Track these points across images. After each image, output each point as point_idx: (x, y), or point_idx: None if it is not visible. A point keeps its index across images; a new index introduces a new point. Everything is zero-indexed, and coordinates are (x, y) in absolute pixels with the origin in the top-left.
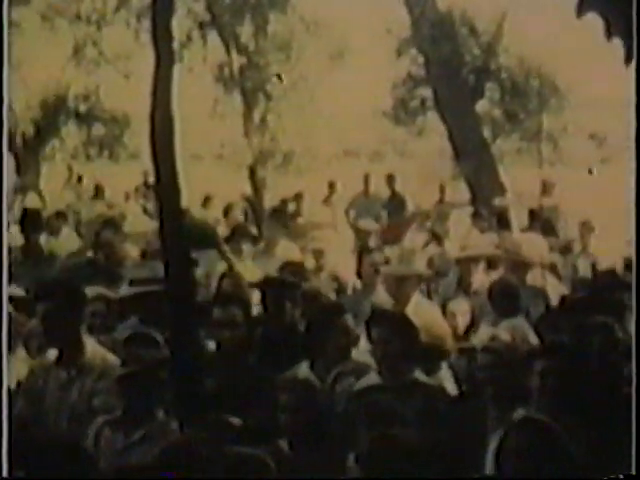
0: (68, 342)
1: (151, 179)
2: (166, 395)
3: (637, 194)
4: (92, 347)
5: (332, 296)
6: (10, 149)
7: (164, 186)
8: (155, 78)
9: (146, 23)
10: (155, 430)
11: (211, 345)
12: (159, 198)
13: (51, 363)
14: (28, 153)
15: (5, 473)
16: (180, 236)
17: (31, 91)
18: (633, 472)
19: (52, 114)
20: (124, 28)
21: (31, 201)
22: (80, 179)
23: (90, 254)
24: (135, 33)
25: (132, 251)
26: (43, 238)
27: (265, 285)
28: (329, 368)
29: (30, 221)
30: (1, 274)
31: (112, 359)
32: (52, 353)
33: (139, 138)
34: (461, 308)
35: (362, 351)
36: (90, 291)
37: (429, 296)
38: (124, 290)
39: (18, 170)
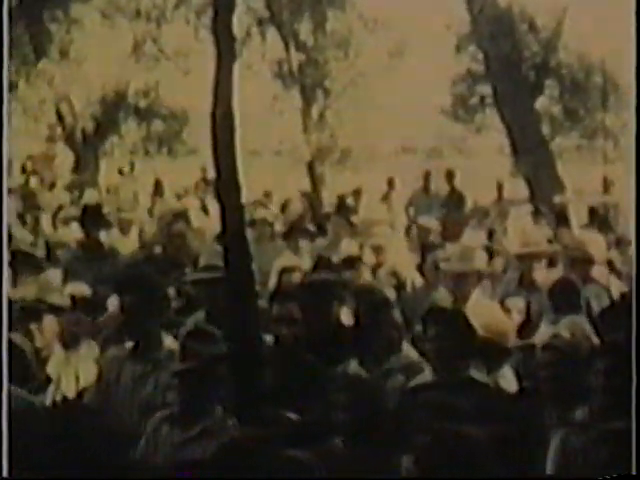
0: (145, 336)
1: (209, 175)
2: (223, 391)
3: (637, 194)
4: (169, 341)
5: (391, 292)
6: (70, 145)
7: (225, 182)
8: (216, 74)
9: (205, 20)
10: (213, 426)
11: (269, 340)
12: (220, 194)
13: (127, 356)
14: (87, 149)
15: (5, 473)
16: (241, 232)
17: (91, 87)
18: (633, 472)
19: (112, 110)
20: (183, 25)
21: (90, 197)
22: (139, 175)
23: (159, 248)
24: (194, 30)
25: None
26: (103, 234)
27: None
28: (378, 364)
29: (90, 217)
30: (1, 273)
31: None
32: (128, 346)
33: (198, 134)
34: (518, 305)
35: (418, 347)
36: (164, 285)
37: (489, 293)
38: (192, 276)
39: (77, 166)
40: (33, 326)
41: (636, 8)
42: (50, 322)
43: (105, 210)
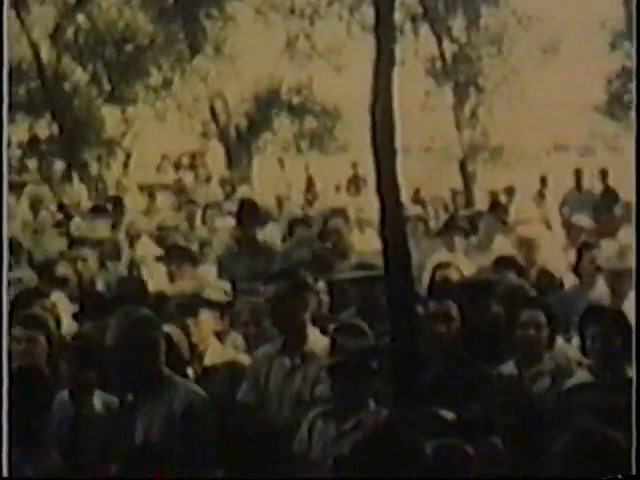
0: (293, 330)
1: (361, 171)
2: (376, 385)
3: (637, 192)
4: (315, 336)
5: (542, 292)
6: (223, 142)
7: (384, 179)
8: (375, 71)
9: (358, 17)
10: (366, 419)
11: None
12: (379, 191)
13: (276, 350)
14: (240, 146)
15: (5, 473)
16: (400, 229)
17: (245, 84)
18: (633, 472)
19: (265, 107)
20: (336, 22)
21: (243, 193)
22: (291, 171)
23: (315, 244)
24: (347, 26)
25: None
26: (258, 230)
27: (473, 282)
28: (532, 364)
29: (246, 213)
30: (1, 269)
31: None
32: (277, 341)
33: (350, 131)
34: None
35: (574, 347)
36: (313, 280)
37: None
38: (347, 274)
39: (230, 162)
40: (190, 321)
41: (636, 8)
42: (206, 317)
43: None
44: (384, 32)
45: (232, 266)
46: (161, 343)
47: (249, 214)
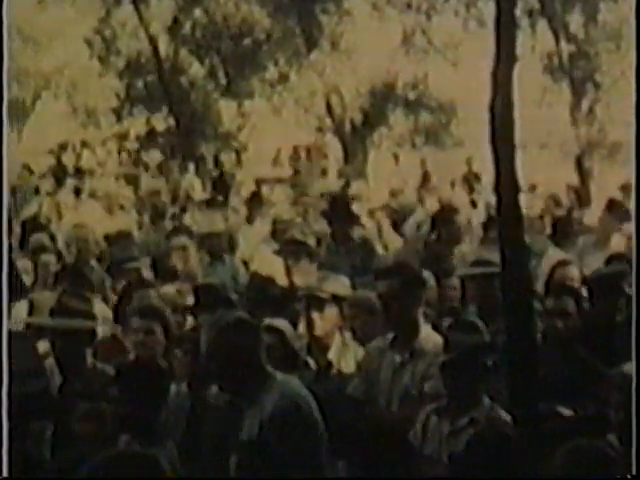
0: (404, 325)
1: (475, 167)
2: (491, 382)
3: (637, 193)
4: (426, 332)
5: None
6: (338, 136)
7: (502, 175)
8: (494, 67)
9: (475, 12)
10: (481, 416)
11: (541, 333)
12: (497, 187)
13: (387, 346)
14: (356, 140)
15: (5, 473)
16: (517, 224)
17: (361, 79)
18: (633, 472)
19: (380, 102)
20: (453, 17)
21: (357, 188)
22: (406, 167)
23: (430, 240)
24: (463, 22)
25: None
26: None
27: (594, 279)
28: None
29: (336, 210)
30: (1, 268)
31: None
32: (388, 336)
33: (465, 126)
34: None
35: None
36: (428, 276)
37: None
38: (464, 270)
39: (346, 157)
40: (315, 314)
41: (636, 8)
42: (331, 311)
43: (370, 202)
44: (504, 27)
45: (334, 263)
46: (259, 343)
47: (339, 211)
